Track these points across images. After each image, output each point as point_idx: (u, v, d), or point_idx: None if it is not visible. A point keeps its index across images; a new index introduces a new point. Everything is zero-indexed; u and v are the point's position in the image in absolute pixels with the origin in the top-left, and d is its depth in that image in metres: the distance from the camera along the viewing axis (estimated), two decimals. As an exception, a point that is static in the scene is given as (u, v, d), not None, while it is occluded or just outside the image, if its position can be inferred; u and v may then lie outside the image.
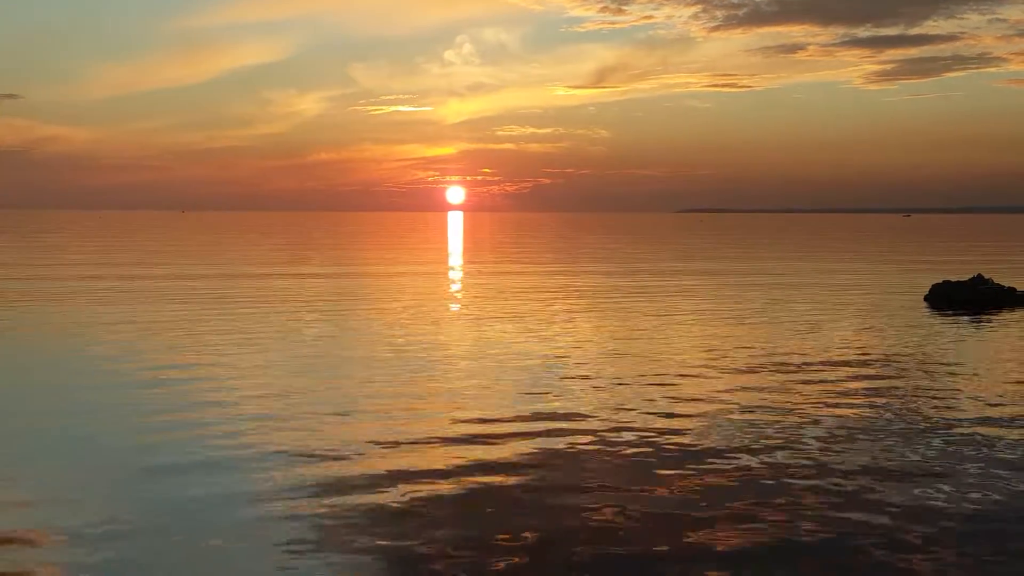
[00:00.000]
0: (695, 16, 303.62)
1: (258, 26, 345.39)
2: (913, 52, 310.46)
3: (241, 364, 17.74)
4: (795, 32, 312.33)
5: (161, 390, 15.32)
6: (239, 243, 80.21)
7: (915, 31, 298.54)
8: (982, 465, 11.24)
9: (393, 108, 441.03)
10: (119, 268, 45.20)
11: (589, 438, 12.28)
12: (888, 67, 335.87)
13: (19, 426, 12.98)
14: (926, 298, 31.52)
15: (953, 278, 32.73)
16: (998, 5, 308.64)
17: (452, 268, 49.84)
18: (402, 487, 10.13)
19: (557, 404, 14.36)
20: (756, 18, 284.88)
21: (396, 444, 11.92)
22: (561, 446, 11.92)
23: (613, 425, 13.00)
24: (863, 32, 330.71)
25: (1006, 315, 27.62)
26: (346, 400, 14.56)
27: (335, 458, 11.21)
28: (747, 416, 13.58)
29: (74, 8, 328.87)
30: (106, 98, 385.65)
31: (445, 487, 10.18)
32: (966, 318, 26.69)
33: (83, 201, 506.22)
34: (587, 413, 13.74)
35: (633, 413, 13.73)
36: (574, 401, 14.59)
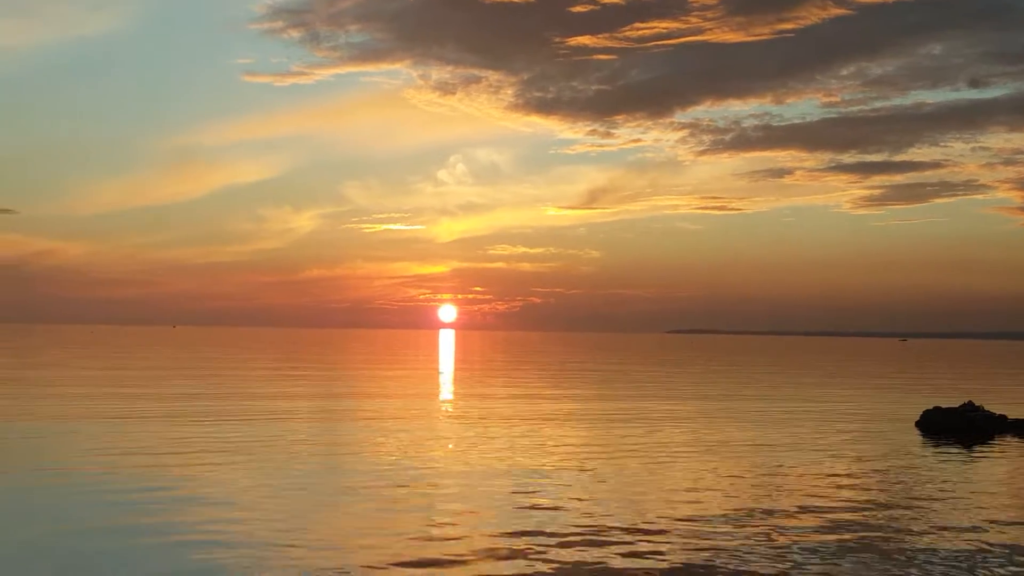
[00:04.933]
0: (683, 140, 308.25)
1: (253, 144, 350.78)
2: (899, 178, 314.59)
3: (216, 494, 17.62)
4: (781, 157, 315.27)
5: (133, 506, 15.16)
6: (231, 362, 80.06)
7: (900, 158, 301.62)
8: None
9: (385, 226, 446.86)
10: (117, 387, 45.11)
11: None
12: (875, 192, 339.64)
13: None
14: (917, 424, 31.53)
15: (945, 404, 32.79)
16: (980, 133, 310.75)
17: (444, 393, 49.71)
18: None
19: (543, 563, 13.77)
20: (742, 143, 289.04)
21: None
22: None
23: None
24: (849, 158, 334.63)
25: (995, 443, 27.58)
26: (329, 535, 14.43)
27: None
28: (735, 546, 13.49)
29: (69, 125, 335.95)
30: (100, 214, 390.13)
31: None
32: (955, 446, 26.63)
33: (75, 315, 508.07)
34: (567, 563, 13.54)
35: (613, 548, 13.64)
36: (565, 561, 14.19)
